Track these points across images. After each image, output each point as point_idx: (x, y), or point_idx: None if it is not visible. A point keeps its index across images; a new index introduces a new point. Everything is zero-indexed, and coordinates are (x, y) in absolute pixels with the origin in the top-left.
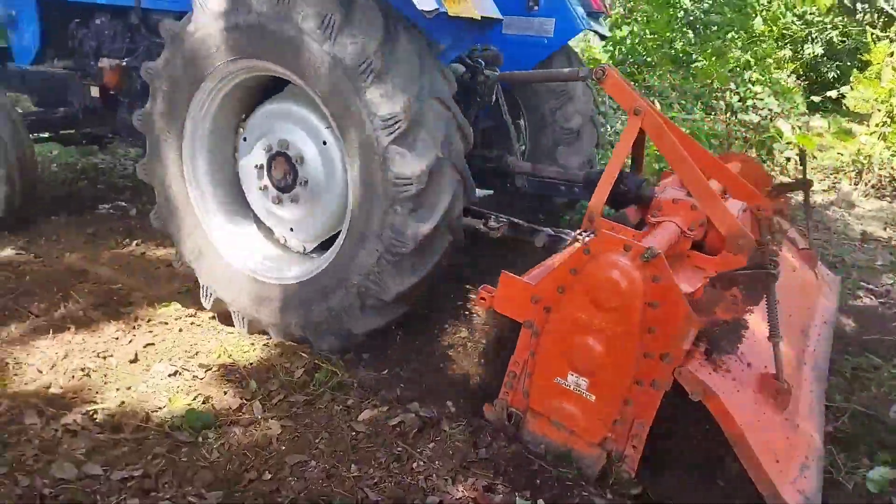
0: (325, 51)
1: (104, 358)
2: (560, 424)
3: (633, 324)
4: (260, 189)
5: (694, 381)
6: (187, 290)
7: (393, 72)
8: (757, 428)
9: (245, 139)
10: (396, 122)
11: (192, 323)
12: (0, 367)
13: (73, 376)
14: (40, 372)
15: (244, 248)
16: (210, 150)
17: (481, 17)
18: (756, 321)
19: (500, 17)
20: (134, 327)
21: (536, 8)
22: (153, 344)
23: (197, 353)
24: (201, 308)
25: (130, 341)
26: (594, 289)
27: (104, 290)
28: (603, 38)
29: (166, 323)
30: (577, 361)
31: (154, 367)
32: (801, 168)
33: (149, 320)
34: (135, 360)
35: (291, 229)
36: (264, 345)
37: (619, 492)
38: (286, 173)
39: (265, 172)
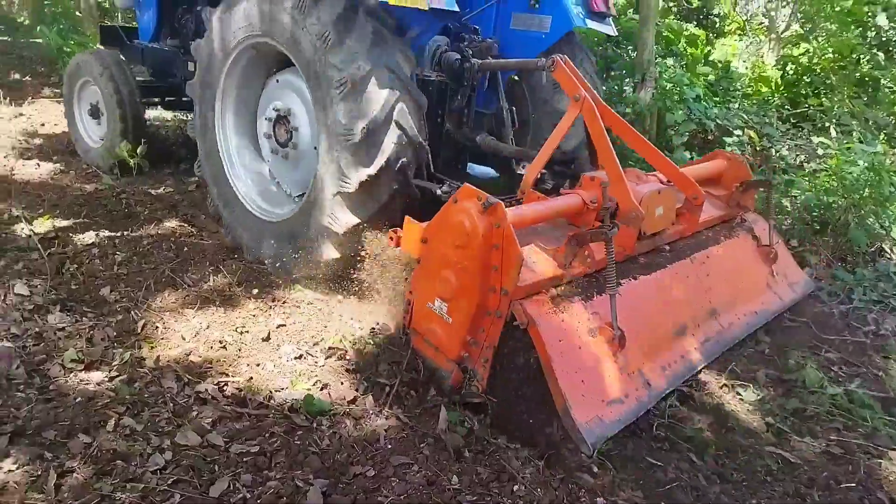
0: (299, 26)
1: (241, 333)
2: (429, 342)
3: (478, 260)
4: (267, 140)
5: (522, 312)
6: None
7: (346, 43)
8: (571, 360)
9: (265, 94)
10: (343, 84)
11: (319, 309)
12: (151, 331)
13: (212, 347)
14: (184, 339)
15: (255, 191)
16: (236, 110)
17: (429, 7)
18: (631, 284)
19: (457, 9)
20: (270, 307)
21: (537, 6)
22: (284, 325)
23: (321, 340)
24: (330, 294)
25: (265, 320)
26: (451, 229)
27: (250, 267)
28: (609, 37)
29: (298, 306)
30: (440, 289)
31: (283, 348)
32: None
33: (283, 302)
34: (267, 339)
35: (285, 177)
36: (383, 337)
37: (465, 400)
38: (286, 131)
39: (272, 129)
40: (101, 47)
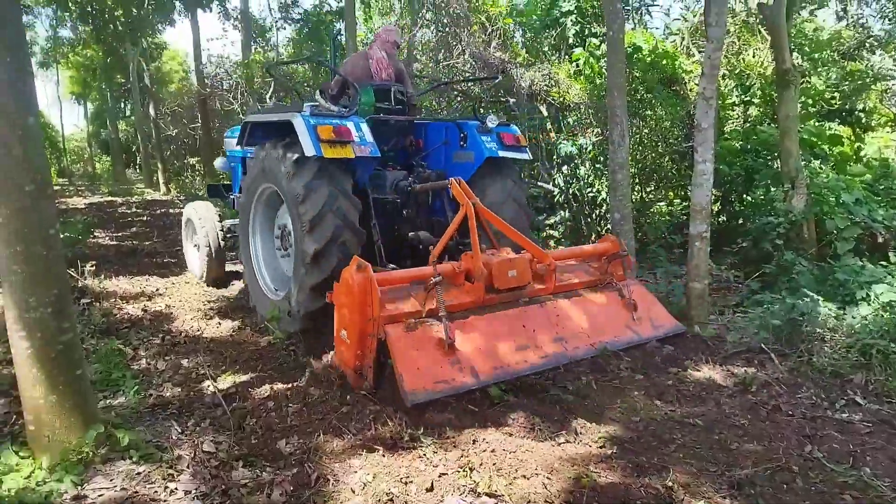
0: (289, 184)
1: (405, 483)
2: (340, 359)
3: (357, 300)
4: (280, 243)
5: (382, 331)
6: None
7: (303, 176)
8: (410, 357)
9: (278, 217)
10: (297, 196)
11: (480, 463)
12: (323, 483)
13: (380, 500)
14: (353, 492)
15: (269, 277)
16: (261, 221)
17: (357, 156)
18: (478, 318)
19: (378, 156)
20: (431, 455)
21: (465, 146)
22: (446, 475)
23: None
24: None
25: (427, 469)
26: (343, 283)
27: (403, 419)
28: (517, 161)
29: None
30: (342, 323)
31: (446, 500)
32: None
33: (444, 447)
34: (430, 489)
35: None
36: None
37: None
38: (286, 240)
39: (280, 238)
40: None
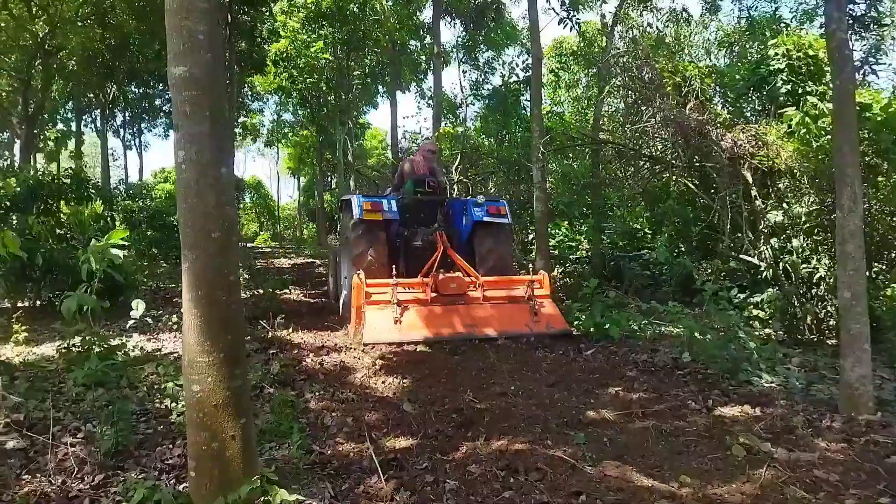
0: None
1: None
2: (351, 323)
3: (356, 295)
4: None
5: (363, 308)
6: None
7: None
8: (373, 323)
9: None
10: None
11: None
12: None
13: None
14: None
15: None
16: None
17: (384, 219)
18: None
19: (397, 218)
20: None
21: (466, 213)
22: None
23: None
24: None
25: None
26: (354, 285)
27: None
28: (495, 223)
29: None
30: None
31: None
32: None
33: None
34: None
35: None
36: None
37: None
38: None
39: None
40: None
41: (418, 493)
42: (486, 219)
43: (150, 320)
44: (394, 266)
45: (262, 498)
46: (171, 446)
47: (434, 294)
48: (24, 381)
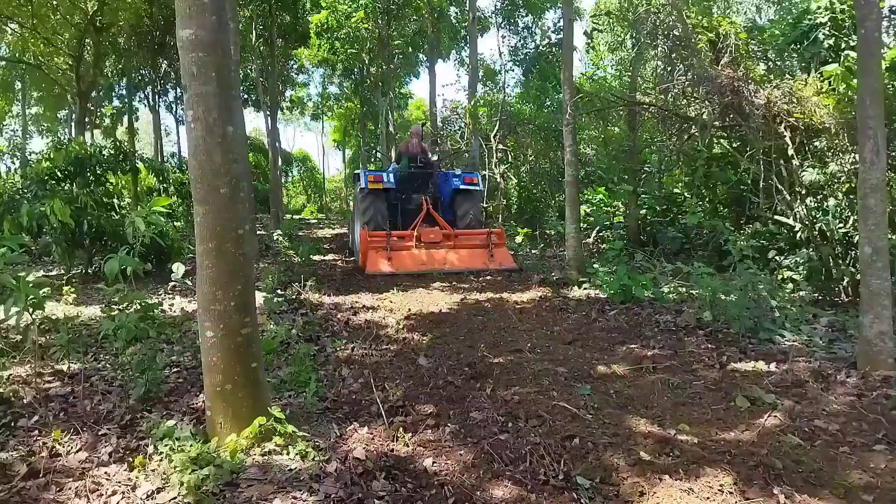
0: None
1: None
2: (360, 259)
3: (364, 243)
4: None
5: (367, 251)
6: None
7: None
8: (373, 261)
9: None
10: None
11: None
12: None
13: None
14: None
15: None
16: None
17: (384, 188)
18: (409, 252)
19: (395, 187)
20: None
21: (447, 182)
22: None
23: None
24: None
25: None
26: (361, 235)
27: None
28: (469, 190)
29: None
30: (360, 249)
31: None
32: None
33: None
34: None
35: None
36: None
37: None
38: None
39: None
40: None
41: (419, 434)
42: (462, 187)
43: (189, 282)
44: (390, 222)
45: (272, 436)
46: (197, 393)
47: (418, 242)
48: (64, 335)
